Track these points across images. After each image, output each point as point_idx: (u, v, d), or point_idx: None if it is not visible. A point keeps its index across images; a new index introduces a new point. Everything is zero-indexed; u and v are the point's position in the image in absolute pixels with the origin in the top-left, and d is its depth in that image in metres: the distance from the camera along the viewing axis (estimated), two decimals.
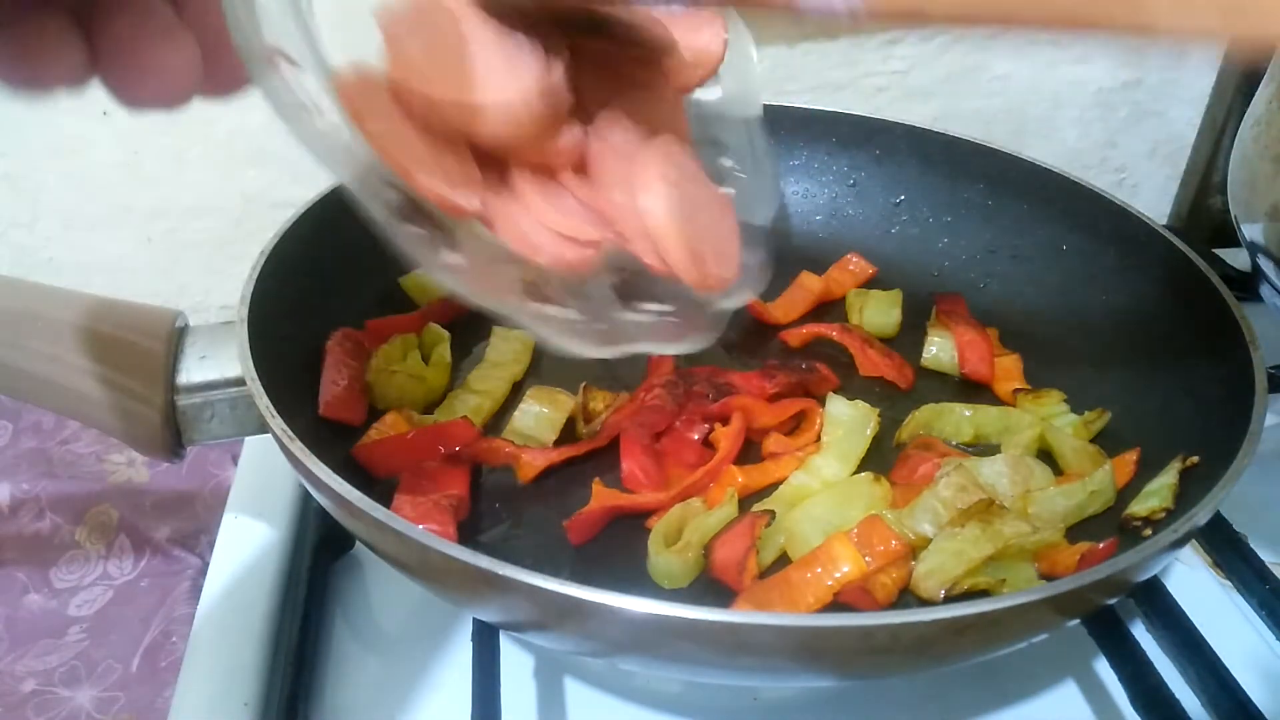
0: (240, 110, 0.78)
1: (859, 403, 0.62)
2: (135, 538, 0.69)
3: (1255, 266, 0.68)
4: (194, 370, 0.54)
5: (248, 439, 0.61)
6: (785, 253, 0.76)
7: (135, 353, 0.53)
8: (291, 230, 0.62)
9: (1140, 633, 0.50)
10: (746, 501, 0.58)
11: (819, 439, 0.61)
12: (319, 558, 0.61)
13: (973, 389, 0.68)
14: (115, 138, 0.78)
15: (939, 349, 0.69)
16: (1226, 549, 0.58)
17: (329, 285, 0.65)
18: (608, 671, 0.56)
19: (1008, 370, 0.68)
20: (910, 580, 0.52)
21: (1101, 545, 0.53)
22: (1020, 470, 0.58)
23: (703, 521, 0.54)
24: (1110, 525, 0.56)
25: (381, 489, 0.56)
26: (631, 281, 0.42)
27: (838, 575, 0.51)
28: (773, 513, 0.54)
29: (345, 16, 0.36)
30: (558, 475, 0.59)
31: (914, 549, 0.53)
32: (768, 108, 0.78)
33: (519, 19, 0.37)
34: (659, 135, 0.41)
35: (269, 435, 0.50)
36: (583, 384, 0.64)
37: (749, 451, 0.61)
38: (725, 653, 0.42)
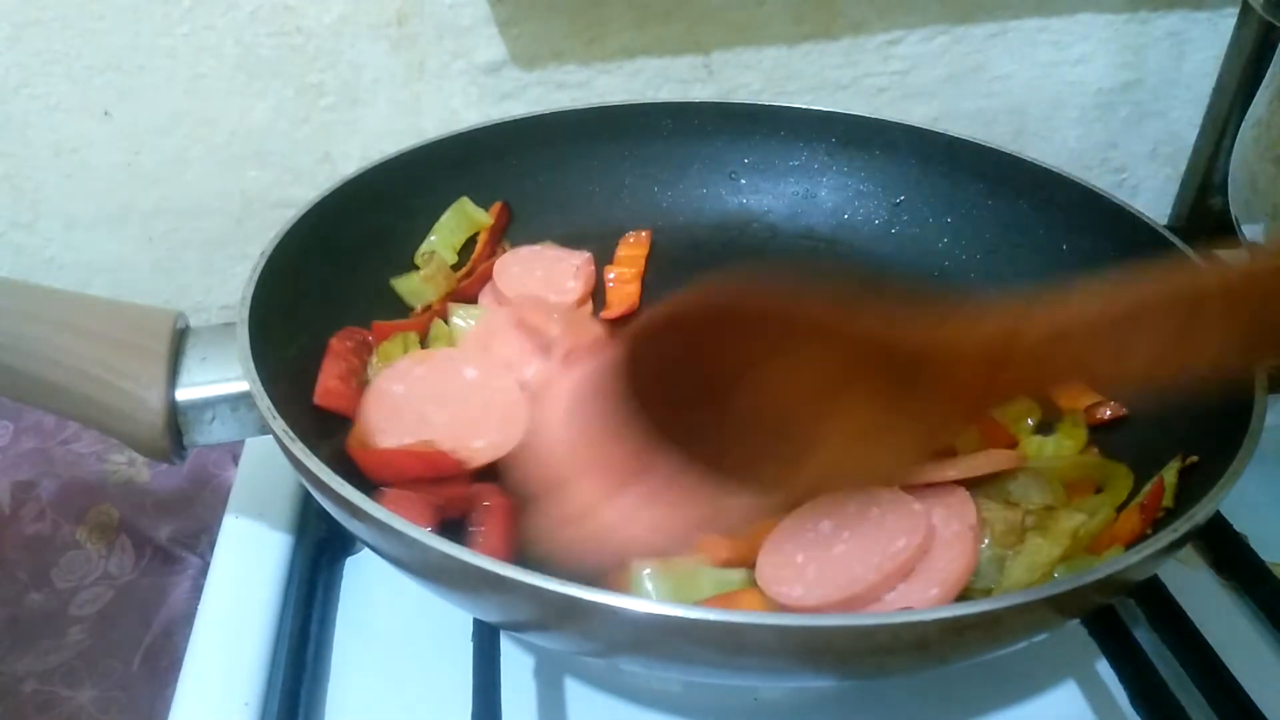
0: (241, 110, 0.79)
1: None
2: (136, 537, 0.69)
3: None
4: (195, 372, 0.54)
5: (248, 439, 0.61)
6: (784, 254, 0.77)
7: (135, 354, 0.53)
8: (292, 230, 0.61)
9: (1140, 633, 0.50)
10: None
11: None
12: (319, 558, 0.61)
13: None
14: (115, 138, 0.77)
15: None
16: (1226, 549, 0.58)
17: (330, 285, 0.64)
18: (608, 671, 0.56)
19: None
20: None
21: (1152, 487, 0.51)
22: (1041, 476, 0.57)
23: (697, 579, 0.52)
24: None
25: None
26: None
27: None
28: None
29: None
30: None
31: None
32: (768, 108, 0.80)
33: None
34: None
35: (270, 436, 0.50)
36: None
37: None
38: (725, 653, 0.42)
